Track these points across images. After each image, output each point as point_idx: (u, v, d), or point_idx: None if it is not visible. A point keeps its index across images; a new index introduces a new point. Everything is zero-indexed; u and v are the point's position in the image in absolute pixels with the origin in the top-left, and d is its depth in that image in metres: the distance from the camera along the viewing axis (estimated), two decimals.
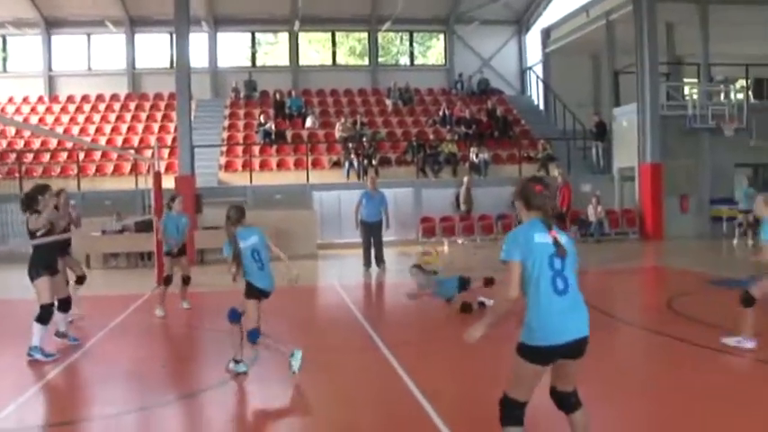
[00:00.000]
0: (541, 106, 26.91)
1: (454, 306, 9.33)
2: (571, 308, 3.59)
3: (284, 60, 26.79)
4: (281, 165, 21.24)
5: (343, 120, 22.68)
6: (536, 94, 27.42)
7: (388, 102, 25.11)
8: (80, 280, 9.70)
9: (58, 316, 7.85)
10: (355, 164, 20.40)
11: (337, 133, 22.17)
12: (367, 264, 14.00)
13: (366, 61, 27.48)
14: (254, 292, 6.47)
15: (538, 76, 27.08)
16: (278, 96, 24.01)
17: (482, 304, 9.58)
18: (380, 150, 21.66)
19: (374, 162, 20.67)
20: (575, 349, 3.61)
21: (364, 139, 21.68)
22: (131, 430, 5.46)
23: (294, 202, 19.13)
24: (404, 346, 7.50)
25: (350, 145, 21.15)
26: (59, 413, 5.96)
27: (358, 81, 26.54)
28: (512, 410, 3.67)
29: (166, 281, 10.01)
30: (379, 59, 27.48)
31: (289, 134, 22.56)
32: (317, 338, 6.86)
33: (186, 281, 10.29)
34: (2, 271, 14.56)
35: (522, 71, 28.06)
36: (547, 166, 21.46)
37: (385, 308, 9.53)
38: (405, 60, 28.43)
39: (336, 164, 21.06)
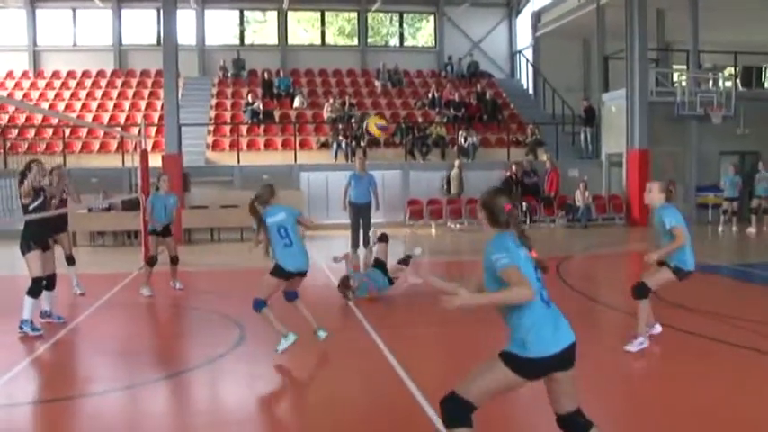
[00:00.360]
0: (531, 90, 26.90)
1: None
2: (559, 317, 3.48)
3: (273, 39, 26.59)
4: (268, 145, 21.16)
5: (331, 100, 22.59)
6: (525, 77, 27.40)
7: (377, 83, 25.03)
8: (68, 260, 9.69)
9: (43, 294, 7.85)
10: (343, 145, 20.37)
11: (325, 114, 22.10)
12: (355, 246, 14.00)
13: (355, 42, 27.32)
14: (281, 273, 6.40)
15: (528, 60, 27.05)
16: (266, 76, 23.85)
17: (409, 257, 9.74)
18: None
19: (362, 143, 20.63)
20: (568, 357, 3.44)
21: (353, 121, 21.62)
22: (118, 408, 5.50)
23: (281, 182, 18.93)
24: (391, 329, 7.56)
25: (338, 126, 21.10)
26: (46, 390, 6.00)
27: (347, 62, 26.40)
28: (464, 411, 3.40)
29: (151, 261, 9.92)
30: (369, 40, 27.32)
31: (276, 114, 22.45)
32: (302, 319, 6.90)
33: (174, 261, 10.20)
34: None
35: (512, 55, 28.01)
36: (535, 150, 21.55)
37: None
38: (394, 42, 28.28)
39: (324, 145, 21.02)
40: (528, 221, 19.56)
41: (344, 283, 9.21)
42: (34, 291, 7.40)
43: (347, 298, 9.11)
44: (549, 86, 24.67)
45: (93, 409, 5.46)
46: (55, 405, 5.52)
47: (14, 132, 20.84)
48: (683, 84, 20.64)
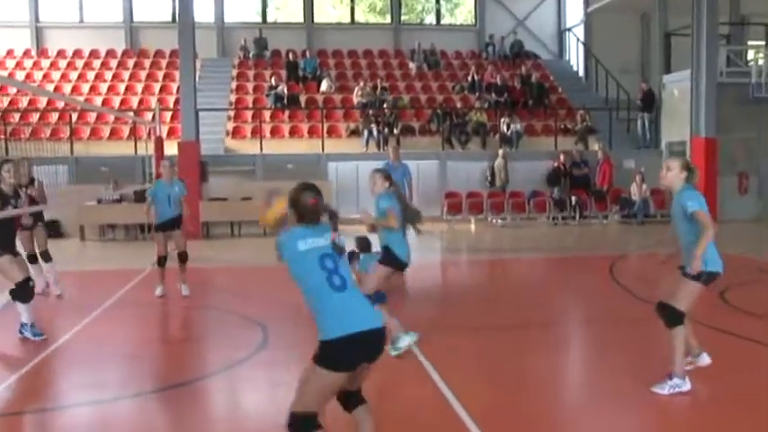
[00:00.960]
0: (581, 72, 26.57)
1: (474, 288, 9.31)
2: (356, 302, 3.83)
3: (298, 17, 26.58)
4: (293, 132, 21.19)
5: (361, 84, 22.54)
6: (575, 58, 27.05)
7: (412, 65, 24.92)
8: (42, 255, 9.63)
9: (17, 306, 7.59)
10: (375, 133, 20.32)
11: (355, 99, 22.06)
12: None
13: (388, 19, 27.21)
14: (393, 261, 6.55)
15: (578, 39, 26.70)
16: (291, 57, 23.86)
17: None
18: (402, 118, 21.50)
19: (395, 131, 20.57)
20: (373, 345, 3.78)
21: (385, 106, 21.53)
22: (128, 417, 5.51)
23: (307, 172, 18.99)
24: (425, 331, 7.44)
25: (369, 112, 21.05)
26: (50, 398, 6.03)
27: (379, 41, 26.30)
28: (309, 423, 3.79)
29: (160, 262, 9.66)
30: (403, 18, 27.21)
31: (302, 99, 22.47)
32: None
33: (183, 258, 9.70)
34: None
35: (561, 32, 27.68)
36: (586, 139, 21.29)
37: (405, 289, 9.51)
38: (430, 19, 28.13)
39: (354, 132, 20.99)
40: (577, 217, 19.35)
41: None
42: (23, 295, 7.35)
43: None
44: (601, 68, 24.31)
45: (102, 417, 5.49)
46: (59, 414, 5.55)
47: (16, 117, 21.12)
48: (760, 62, 20.13)
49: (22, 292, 7.37)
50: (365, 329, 3.73)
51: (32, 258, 9.60)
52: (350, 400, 4.04)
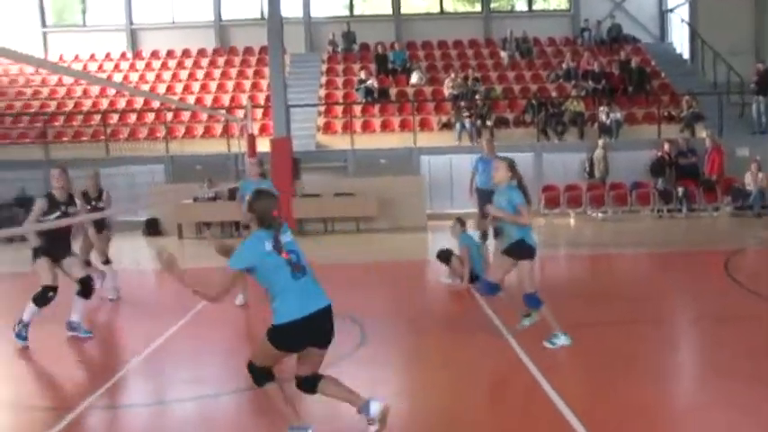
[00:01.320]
0: (686, 55, 25.68)
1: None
2: (307, 289, 4.60)
3: (386, 8, 26.70)
4: (384, 126, 21.32)
5: (452, 75, 22.46)
6: (679, 40, 26.22)
7: (504, 54, 24.67)
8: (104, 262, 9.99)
9: (77, 302, 7.89)
10: (467, 125, 20.23)
11: (446, 91, 22.01)
12: (483, 237, 13.87)
13: (478, 8, 26.98)
14: (529, 251, 6.89)
15: (682, 19, 25.83)
16: (380, 49, 24.02)
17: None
18: (495, 110, 21.34)
19: (489, 123, 20.41)
20: (318, 329, 4.62)
21: (477, 97, 21.41)
22: (228, 412, 5.72)
23: (400, 167, 19.16)
24: (528, 331, 7.37)
25: (461, 104, 20.97)
26: (155, 392, 6.30)
27: (468, 31, 26.15)
28: (264, 373, 4.76)
29: None
30: (492, 5, 26.95)
31: (392, 92, 22.59)
32: (427, 321, 6.89)
33: None
34: None
35: (663, 13, 26.87)
36: (693, 126, 20.56)
37: (504, 286, 9.40)
38: (522, 6, 27.73)
39: (446, 125, 20.94)
40: (684, 209, 18.71)
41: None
42: (39, 299, 7.51)
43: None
44: (709, 49, 23.46)
45: (205, 412, 5.71)
46: (162, 409, 5.78)
47: (115, 118, 22.03)
48: None
49: (40, 295, 7.51)
50: (312, 311, 4.55)
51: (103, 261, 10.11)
52: (306, 384, 4.84)
